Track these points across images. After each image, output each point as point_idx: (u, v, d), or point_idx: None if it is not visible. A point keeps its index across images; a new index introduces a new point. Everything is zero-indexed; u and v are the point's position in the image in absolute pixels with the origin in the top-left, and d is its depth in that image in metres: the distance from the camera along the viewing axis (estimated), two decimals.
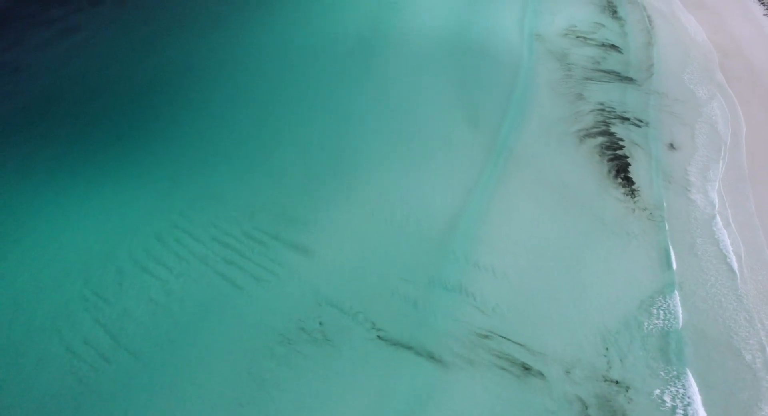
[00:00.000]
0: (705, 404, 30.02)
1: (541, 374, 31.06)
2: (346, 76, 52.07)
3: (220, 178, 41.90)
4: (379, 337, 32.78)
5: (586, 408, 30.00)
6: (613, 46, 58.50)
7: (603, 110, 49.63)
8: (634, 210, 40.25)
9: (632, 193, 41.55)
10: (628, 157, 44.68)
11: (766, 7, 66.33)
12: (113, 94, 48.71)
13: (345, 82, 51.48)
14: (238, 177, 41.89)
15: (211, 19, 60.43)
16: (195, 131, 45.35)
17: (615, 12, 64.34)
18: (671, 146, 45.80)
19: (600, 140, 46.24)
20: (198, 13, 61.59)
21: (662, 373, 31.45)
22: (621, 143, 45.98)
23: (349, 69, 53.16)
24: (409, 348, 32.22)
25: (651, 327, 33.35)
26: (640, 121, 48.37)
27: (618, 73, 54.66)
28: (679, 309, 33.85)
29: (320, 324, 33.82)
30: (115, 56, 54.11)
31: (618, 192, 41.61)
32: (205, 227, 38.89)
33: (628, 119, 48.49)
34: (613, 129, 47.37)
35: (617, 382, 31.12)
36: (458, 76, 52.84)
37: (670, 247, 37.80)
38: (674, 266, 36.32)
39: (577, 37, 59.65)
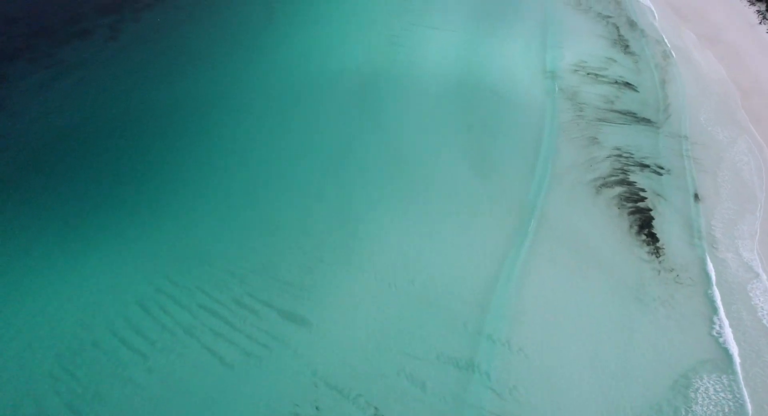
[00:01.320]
0: None
1: None
2: (348, 123, 49.20)
3: (209, 236, 38.70)
4: None
5: None
6: (627, 84, 55.55)
7: (620, 155, 46.50)
8: (659, 272, 36.85)
9: (657, 251, 38.18)
10: (651, 210, 41.40)
11: None
12: (97, 144, 45.69)
13: (346, 129, 48.68)
14: (228, 235, 38.68)
15: (208, 60, 57.58)
16: (182, 183, 42.24)
17: (627, 46, 61.54)
18: (696, 197, 42.45)
19: (618, 190, 43.03)
20: (194, 53, 58.78)
21: None
22: (642, 193, 42.74)
23: (350, 114, 50.26)
24: None
25: None
26: (661, 168, 45.15)
27: (634, 113, 51.59)
28: (722, 397, 30.13)
29: (317, 409, 30.31)
30: (103, 101, 51.19)
31: (642, 251, 38.25)
32: (192, 293, 35.56)
33: (647, 166, 45.30)
34: (632, 177, 44.18)
35: None
36: (464, 120, 50.04)
37: (702, 317, 34.16)
38: (710, 341, 32.63)
39: (588, 73, 56.79)
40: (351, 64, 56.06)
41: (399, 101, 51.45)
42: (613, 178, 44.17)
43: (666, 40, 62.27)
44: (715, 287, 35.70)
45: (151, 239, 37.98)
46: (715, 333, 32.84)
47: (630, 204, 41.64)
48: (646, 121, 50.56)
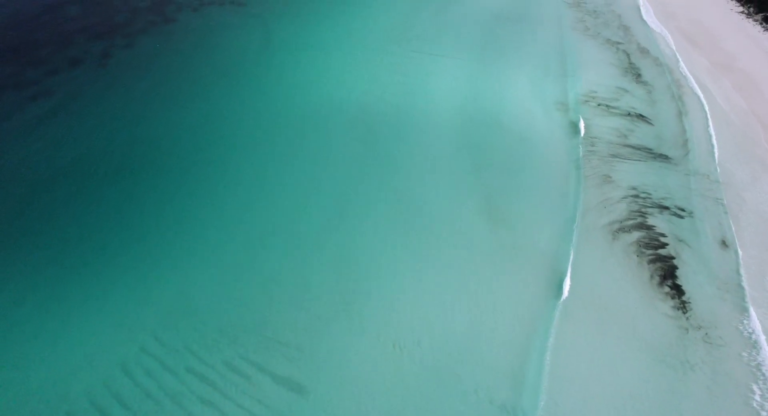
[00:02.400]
0: None
1: None
2: (349, 164, 46.48)
3: (199, 289, 35.71)
4: None
5: None
6: (640, 117, 52.95)
7: (637, 196, 43.78)
8: (687, 330, 33.90)
9: (683, 306, 35.28)
10: (673, 257, 38.54)
11: None
12: (81, 190, 42.87)
13: (347, 170, 45.96)
14: (219, 289, 35.70)
15: (202, 92, 55.01)
16: (169, 230, 39.27)
17: (639, 75, 59.08)
18: (723, 244, 39.57)
19: (636, 235, 40.24)
20: (187, 85, 56.25)
21: None
22: (662, 239, 39.94)
23: (352, 154, 47.59)
24: None
25: None
26: (682, 210, 42.40)
27: (649, 149, 48.93)
28: None
29: None
30: (89, 141, 48.51)
31: (666, 306, 35.30)
32: (180, 354, 32.62)
33: (667, 208, 42.53)
34: (651, 221, 41.38)
35: None
36: (473, 158, 47.31)
37: (738, 384, 31.13)
38: (750, 414, 29.59)
39: (599, 104, 54.21)
40: (351, 97, 53.51)
41: (404, 139, 48.75)
42: (630, 221, 41.40)
43: (680, 69, 59.80)
44: (750, 349, 32.62)
45: (137, 293, 35.08)
46: (755, 405, 29.73)
47: (650, 251, 38.81)
48: (663, 157, 47.85)
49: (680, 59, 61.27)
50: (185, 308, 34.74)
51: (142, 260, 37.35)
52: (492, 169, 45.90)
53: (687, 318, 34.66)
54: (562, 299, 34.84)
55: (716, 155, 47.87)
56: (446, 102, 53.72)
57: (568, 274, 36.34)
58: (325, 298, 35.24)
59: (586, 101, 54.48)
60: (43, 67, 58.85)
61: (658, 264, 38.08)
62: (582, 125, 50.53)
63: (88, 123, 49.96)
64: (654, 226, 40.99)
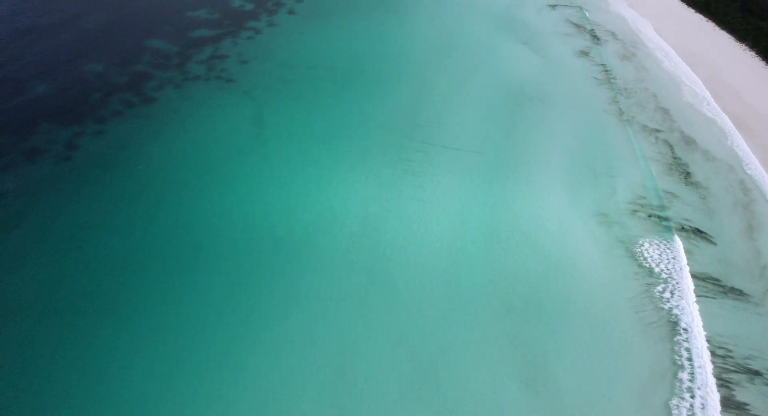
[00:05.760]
0: None
1: None
2: (347, 307, 37.36)
3: None
4: None
5: None
6: (698, 232, 44.07)
7: (713, 352, 34.41)
8: None
9: None
10: None
11: None
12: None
13: (345, 315, 36.76)
14: None
15: (173, 193, 46.54)
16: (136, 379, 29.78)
17: (687, 174, 50.47)
18: None
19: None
20: (158, 182, 47.83)
21: None
22: None
23: (350, 291, 38.39)
24: None
25: None
26: None
27: (717, 280, 39.88)
28: None
29: None
30: (42, 261, 39.93)
31: None
32: None
33: (757, 374, 33.01)
34: (739, 395, 32.13)
35: None
36: (499, 295, 38.08)
37: None
38: None
39: (649, 215, 45.20)
40: (352, 208, 45.12)
41: (416, 269, 39.72)
42: (710, 396, 31.62)
43: (743, 166, 50.98)
44: None
45: None
46: None
47: None
48: (737, 293, 38.77)
49: (740, 152, 52.54)
50: None
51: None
52: (526, 313, 36.73)
53: None
54: None
55: None
56: (465, 213, 44.96)
57: None
58: None
59: (634, 211, 45.64)
60: None
61: None
62: (637, 249, 41.51)
63: (41, 237, 41.31)
64: (746, 404, 31.46)
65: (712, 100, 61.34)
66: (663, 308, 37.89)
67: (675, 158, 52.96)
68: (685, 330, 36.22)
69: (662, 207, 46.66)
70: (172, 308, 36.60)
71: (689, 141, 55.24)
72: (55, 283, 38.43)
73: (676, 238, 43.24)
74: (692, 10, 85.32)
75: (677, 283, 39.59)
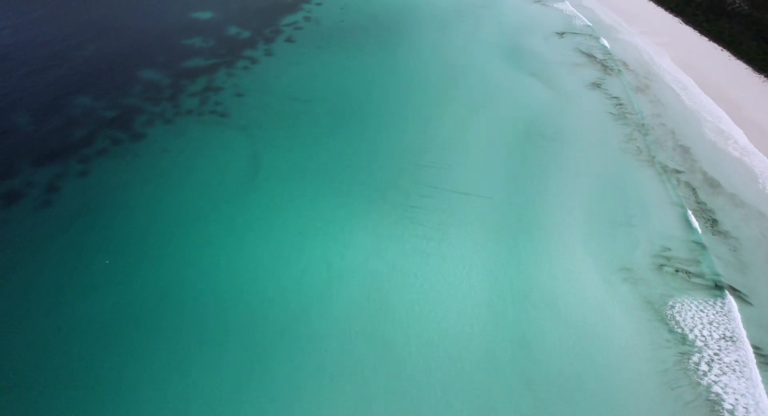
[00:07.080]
0: None
1: None
2: (346, 397, 32.98)
3: None
4: None
5: None
6: (731, 290, 39.78)
7: None
8: None
9: None
10: None
11: None
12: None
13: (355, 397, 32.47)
14: None
15: (159, 245, 42.68)
16: None
17: (714, 222, 46.56)
18: None
19: None
20: (143, 232, 43.97)
21: None
22: None
23: (353, 373, 34.19)
24: None
25: None
26: None
27: (758, 348, 35.49)
28: None
29: None
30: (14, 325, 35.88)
31: None
32: None
33: None
34: None
35: None
36: (516, 375, 33.99)
37: None
38: None
39: (677, 270, 41.15)
40: (354, 265, 40.76)
41: (422, 343, 35.69)
42: None
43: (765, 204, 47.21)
44: None
45: None
46: None
47: None
48: None
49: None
50: None
51: None
52: (547, 391, 32.45)
53: None
54: None
55: None
56: (475, 270, 41.02)
57: None
58: None
59: (661, 266, 41.68)
60: None
61: None
62: (667, 312, 37.51)
63: (11, 297, 37.23)
64: None
65: (738, 137, 57.44)
66: (701, 384, 33.59)
67: (699, 202, 49.12)
68: (729, 412, 31.86)
69: (691, 261, 42.55)
70: (150, 386, 32.49)
71: (713, 184, 51.49)
72: (26, 350, 34.34)
73: (718, 299, 39.07)
74: (705, 39, 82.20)
75: (716, 353, 35.29)
